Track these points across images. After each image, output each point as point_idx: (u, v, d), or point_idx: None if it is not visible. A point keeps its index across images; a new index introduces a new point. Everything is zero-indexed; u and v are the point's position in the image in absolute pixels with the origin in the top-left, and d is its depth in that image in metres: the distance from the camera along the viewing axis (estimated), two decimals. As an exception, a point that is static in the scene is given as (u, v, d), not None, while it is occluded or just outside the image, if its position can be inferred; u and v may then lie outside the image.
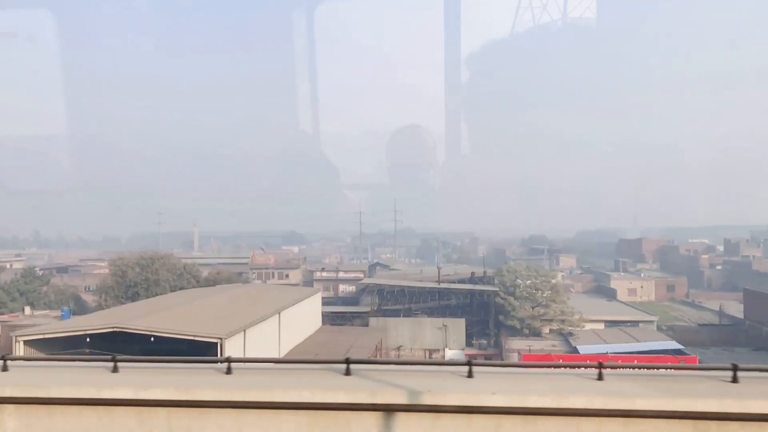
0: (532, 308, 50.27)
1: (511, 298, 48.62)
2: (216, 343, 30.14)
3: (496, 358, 45.14)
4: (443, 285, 56.05)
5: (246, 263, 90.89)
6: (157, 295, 50.10)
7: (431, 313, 53.71)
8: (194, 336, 30.36)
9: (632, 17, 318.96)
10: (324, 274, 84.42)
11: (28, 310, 50.45)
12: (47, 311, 51.76)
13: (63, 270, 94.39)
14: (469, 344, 50.21)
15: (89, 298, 61.39)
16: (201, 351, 30.27)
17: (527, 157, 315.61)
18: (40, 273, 55.97)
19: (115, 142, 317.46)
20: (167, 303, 39.63)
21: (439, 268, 61.07)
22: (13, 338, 31.05)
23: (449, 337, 49.83)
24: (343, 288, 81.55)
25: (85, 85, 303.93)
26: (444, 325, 49.70)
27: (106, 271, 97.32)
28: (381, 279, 62.59)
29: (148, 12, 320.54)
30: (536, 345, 45.52)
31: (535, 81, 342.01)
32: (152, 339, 30.58)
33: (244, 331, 32.57)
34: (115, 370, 6.39)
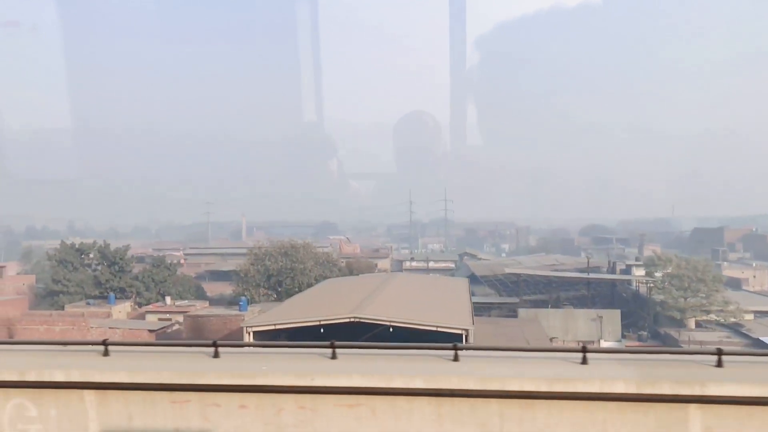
0: (685, 299, 48.90)
1: (673, 289, 47.23)
2: (461, 335, 28.92)
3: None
4: (589, 275, 54.67)
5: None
6: (303, 284, 48.97)
7: (577, 303, 52.39)
8: (438, 326, 29.10)
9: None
10: (414, 264, 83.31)
11: (168, 300, 49.36)
12: (185, 301, 50.70)
13: (140, 260, 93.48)
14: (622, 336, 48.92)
15: (209, 288, 60.51)
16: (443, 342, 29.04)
17: (553, 146, 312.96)
18: (170, 262, 54.86)
19: (128, 134, 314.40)
20: (354, 291, 38.38)
21: (588, 258, 59.60)
22: (244, 329, 29.93)
23: (604, 328, 48.50)
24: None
25: (89, 74, 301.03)
26: (599, 316, 48.34)
27: (184, 260, 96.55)
28: (521, 269, 61.21)
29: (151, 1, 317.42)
30: (706, 337, 44.12)
31: (547, 66, 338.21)
32: (391, 329, 29.40)
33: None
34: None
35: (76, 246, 52.98)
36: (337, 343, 6.18)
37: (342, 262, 54.45)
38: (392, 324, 29.25)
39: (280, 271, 49.46)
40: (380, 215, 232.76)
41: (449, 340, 29.12)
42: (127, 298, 52.24)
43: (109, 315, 44.85)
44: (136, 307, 51.03)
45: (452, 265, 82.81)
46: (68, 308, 48.05)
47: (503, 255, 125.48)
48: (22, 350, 7.10)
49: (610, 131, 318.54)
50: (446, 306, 34.82)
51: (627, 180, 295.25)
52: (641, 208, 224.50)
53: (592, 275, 54.88)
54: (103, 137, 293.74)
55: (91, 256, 52.82)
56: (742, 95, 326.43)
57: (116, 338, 39.88)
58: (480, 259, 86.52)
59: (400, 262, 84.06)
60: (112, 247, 53.52)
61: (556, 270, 65.32)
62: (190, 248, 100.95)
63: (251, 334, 29.91)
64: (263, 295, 49.28)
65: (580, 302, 53.06)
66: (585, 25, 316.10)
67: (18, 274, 76.37)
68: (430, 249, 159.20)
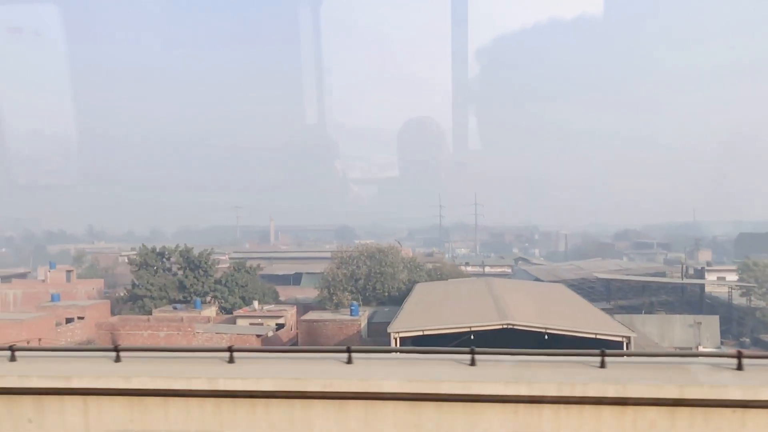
0: (782, 305, 47.92)
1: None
2: (622, 342, 27.98)
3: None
4: (684, 280, 53.70)
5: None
6: (393, 288, 48.11)
7: (666, 309, 51.39)
8: (597, 334, 28.14)
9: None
10: (470, 268, 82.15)
11: (256, 304, 48.42)
12: (272, 306, 49.82)
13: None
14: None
15: (285, 292, 59.68)
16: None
17: (560, 153, 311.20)
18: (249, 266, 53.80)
19: (133, 138, 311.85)
20: (469, 297, 37.51)
21: (682, 263, 58.57)
22: (391, 334, 29.02)
23: (702, 334, 47.46)
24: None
25: (93, 79, 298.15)
26: (697, 323, 47.32)
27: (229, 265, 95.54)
28: (609, 274, 60.24)
29: (154, 5, 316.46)
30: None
31: (547, 75, 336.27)
32: (546, 337, 28.46)
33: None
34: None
35: (157, 250, 52.11)
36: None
37: (428, 266, 53.65)
38: (548, 331, 28.33)
39: (368, 275, 48.55)
40: (393, 219, 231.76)
41: (607, 348, 28.15)
42: (207, 302, 51.31)
43: (209, 320, 44.02)
44: (220, 311, 50.17)
45: (509, 270, 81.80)
46: (156, 313, 47.24)
47: (540, 258, 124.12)
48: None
49: (624, 139, 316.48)
50: (580, 312, 33.90)
51: (642, 186, 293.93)
52: (661, 213, 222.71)
53: (686, 280, 53.87)
54: (109, 142, 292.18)
55: (172, 259, 51.98)
56: (752, 99, 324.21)
57: (225, 343, 39.01)
58: (535, 263, 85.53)
59: (455, 267, 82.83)
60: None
61: (628, 274, 64.32)
62: (234, 252, 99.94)
63: (398, 340, 29.02)
64: (349, 300, 48.30)
65: (669, 308, 52.08)
66: (585, 36, 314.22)
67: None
68: (460, 253, 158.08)
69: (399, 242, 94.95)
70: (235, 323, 46.05)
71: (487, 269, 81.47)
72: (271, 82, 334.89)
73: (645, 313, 49.72)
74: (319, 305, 50.01)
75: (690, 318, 47.93)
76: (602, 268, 72.65)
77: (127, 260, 54.05)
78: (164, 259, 52.22)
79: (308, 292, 67.73)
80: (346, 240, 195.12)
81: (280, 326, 45.09)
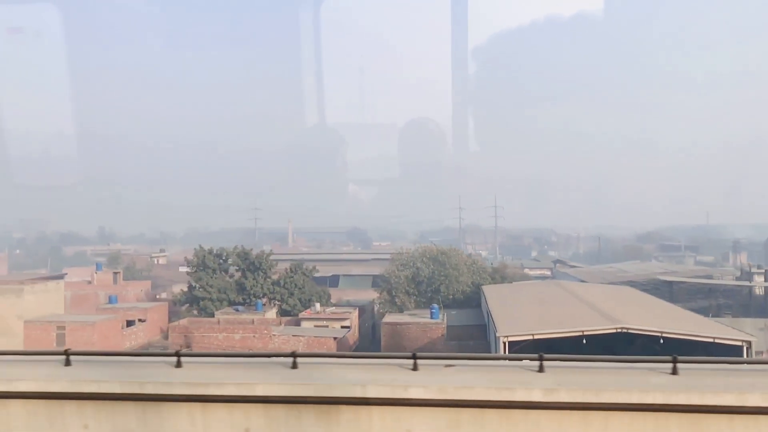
0: None
1: None
2: (741, 347, 27.23)
3: None
4: (751, 282, 52.97)
5: (388, 259, 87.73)
6: (458, 291, 47.41)
7: (735, 312, 50.63)
8: (715, 338, 27.41)
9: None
10: (508, 271, 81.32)
11: (318, 306, 47.64)
12: (332, 308, 49.09)
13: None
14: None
15: (335, 294, 58.98)
16: (722, 354, 27.23)
17: (571, 155, 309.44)
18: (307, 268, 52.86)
19: (134, 140, 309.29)
20: (553, 300, 36.77)
21: (750, 266, 57.86)
22: (499, 338, 28.27)
23: (772, 338, 46.70)
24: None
25: (95, 80, 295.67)
26: (768, 326, 46.57)
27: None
28: (670, 276, 59.50)
29: (155, 7, 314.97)
30: None
31: (548, 76, 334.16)
32: (662, 341, 27.71)
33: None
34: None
35: (214, 251, 51.30)
36: None
37: (489, 268, 52.95)
38: (663, 335, 27.58)
39: (431, 278, 47.82)
40: (403, 222, 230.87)
41: (726, 353, 27.38)
42: (264, 304, 50.53)
43: (279, 322, 43.29)
44: (279, 313, 49.43)
45: (548, 273, 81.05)
46: (218, 315, 46.50)
47: (750, 262, 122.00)
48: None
49: (632, 141, 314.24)
50: (677, 315, 33.13)
51: (653, 189, 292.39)
52: (672, 216, 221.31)
53: (754, 282, 53.14)
54: (113, 143, 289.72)
55: (230, 261, 51.19)
56: (762, 102, 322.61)
57: (302, 347, 38.30)
58: (572, 266, 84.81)
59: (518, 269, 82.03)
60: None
61: (680, 277, 63.57)
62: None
63: (506, 344, 28.28)
64: (410, 303, 47.58)
65: (733, 311, 51.33)
66: (583, 35, 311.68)
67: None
68: (481, 256, 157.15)
69: (434, 244, 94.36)
70: (299, 326, 45.40)
71: (526, 271, 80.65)
72: (271, 84, 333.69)
73: (712, 316, 48.87)
74: (373, 307, 49.42)
75: (761, 321, 47.15)
76: (645, 271, 71.84)
77: (169, 261, 53.10)
78: (222, 261, 51.44)
79: (349, 294, 67.09)
80: (360, 242, 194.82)
81: (345, 329, 44.38)
